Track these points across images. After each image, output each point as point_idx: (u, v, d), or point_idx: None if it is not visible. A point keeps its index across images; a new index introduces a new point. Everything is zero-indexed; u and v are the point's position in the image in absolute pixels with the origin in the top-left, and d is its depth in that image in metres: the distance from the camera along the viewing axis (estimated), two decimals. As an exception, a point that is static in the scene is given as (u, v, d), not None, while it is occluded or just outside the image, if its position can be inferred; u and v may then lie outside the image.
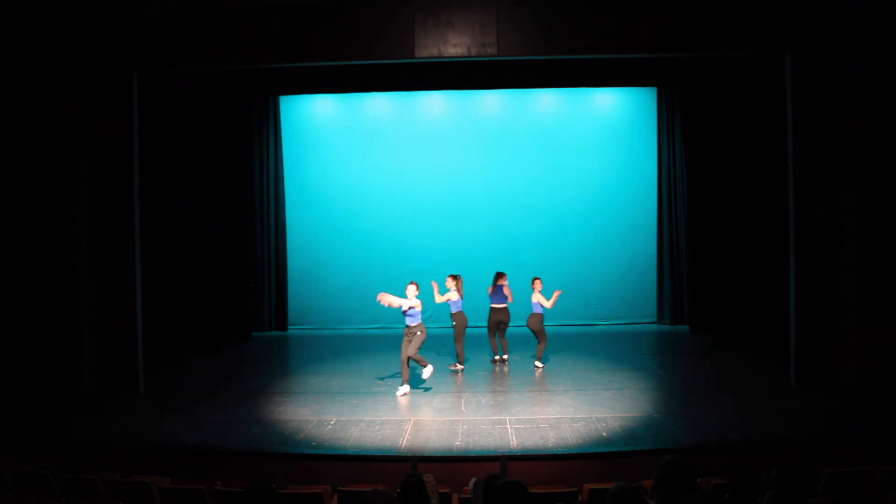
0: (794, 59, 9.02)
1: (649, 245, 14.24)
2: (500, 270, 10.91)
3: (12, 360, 8.99)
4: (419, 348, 9.20)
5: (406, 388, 9.23)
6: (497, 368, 10.75)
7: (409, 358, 9.18)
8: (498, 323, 10.83)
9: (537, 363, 10.62)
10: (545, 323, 10.69)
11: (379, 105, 14.24)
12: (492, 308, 10.81)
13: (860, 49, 8.75)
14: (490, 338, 11.01)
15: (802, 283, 9.07)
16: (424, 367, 9.24)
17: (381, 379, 9.98)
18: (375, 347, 12.21)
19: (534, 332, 10.68)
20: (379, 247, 14.15)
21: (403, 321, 9.32)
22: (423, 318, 9.36)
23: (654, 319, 14.27)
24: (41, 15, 9.04)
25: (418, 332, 9.17)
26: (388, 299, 9.10)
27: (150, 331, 9.87)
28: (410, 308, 9.17)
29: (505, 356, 10.96)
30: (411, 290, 9.25)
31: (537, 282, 10.70)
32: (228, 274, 12.86)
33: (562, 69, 10.84)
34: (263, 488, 3.93)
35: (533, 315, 10.65)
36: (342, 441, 7.46)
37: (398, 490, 4.31)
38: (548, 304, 10.51)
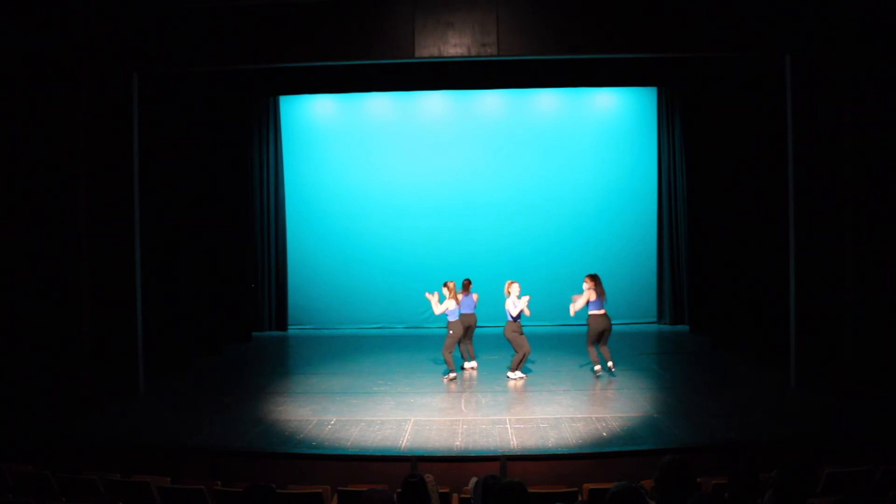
0: (794, 59, 9.02)
1: (649, 245, 14.24)
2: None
3: (12, 359, 8.99)
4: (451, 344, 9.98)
5: (452, 374, 10.01)
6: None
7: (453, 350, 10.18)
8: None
9: (509, 373, 9.93)
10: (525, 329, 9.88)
11: (379, 105, 14.24)
12: None
13: (860, 48, 8.74)
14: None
15: (802, 283, 9.07)
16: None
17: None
18: (375, 347, 12.21)
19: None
20: (379, 246, 14.16)
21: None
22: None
23: (654, 319, 14.28)
24: (41, 15, 9.03)
25: (450, 331, 9.95)
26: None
27: (150, 331, 9.87)
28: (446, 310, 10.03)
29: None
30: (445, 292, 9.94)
31: (514, 285, 9.76)
32: (228, 274, 12.86)
33: (562, 69, 10.82)
34: (263, 488, 3.93)
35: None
36: (342, 441, 7.46)
37: (398, 490, 4.31)
38: (514, 311, 9.65)
